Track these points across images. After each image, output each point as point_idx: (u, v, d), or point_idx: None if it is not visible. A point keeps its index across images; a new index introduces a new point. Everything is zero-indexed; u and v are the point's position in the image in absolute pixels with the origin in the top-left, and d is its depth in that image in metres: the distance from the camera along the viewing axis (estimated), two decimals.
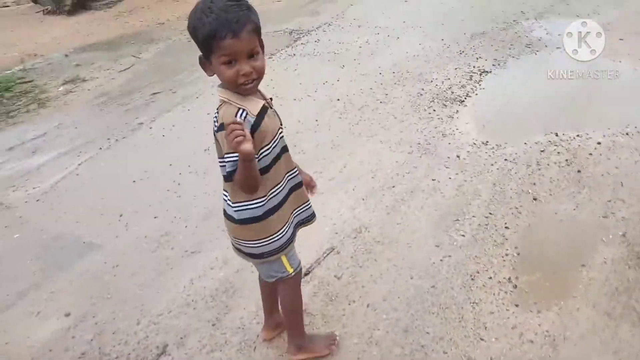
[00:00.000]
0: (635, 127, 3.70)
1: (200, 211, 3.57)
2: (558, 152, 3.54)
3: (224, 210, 1.94)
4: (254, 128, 1.72)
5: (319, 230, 3.17)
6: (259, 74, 1.72)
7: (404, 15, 7.47)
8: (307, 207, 2.09)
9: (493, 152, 3.69)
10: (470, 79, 4.90)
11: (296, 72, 5.99)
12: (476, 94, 4.61)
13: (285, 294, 2.18)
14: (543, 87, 4.54)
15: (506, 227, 2.93)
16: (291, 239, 2.01)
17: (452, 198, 3.28)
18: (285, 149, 1.94)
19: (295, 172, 2.00)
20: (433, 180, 3.49)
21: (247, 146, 1.57)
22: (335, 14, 8.37)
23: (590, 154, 3.46)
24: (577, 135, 3.70)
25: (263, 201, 1.84)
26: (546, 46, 5.36)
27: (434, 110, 4.43)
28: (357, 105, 4.81)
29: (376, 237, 3.03)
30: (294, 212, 2.02)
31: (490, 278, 2.61)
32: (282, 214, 1.92)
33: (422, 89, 4.85)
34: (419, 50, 5.92)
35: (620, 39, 5.20)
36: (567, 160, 3.43)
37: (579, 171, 3.30)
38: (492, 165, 3.53)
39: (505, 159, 3.57)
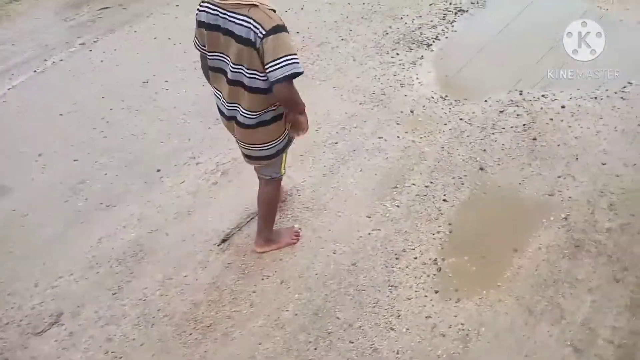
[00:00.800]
0: (606, 90, 3.39)
1: (124, 157, 3.27)
2: (517, 115, 3.24)
3: (241, 123, 2.03)
4: None
5: (248, 189, 2.92)
6: None
7: None
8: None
9: (450, 109, 3.38)
10: (444, 18, 4.43)
11: None
12: (446, 37, 4.18)
13: (269, 191, 2.36)
14: (520, 35, 4.12)
15: (444, 200, 2.71)
16: (289, 142, 2.24)
17: (396, 161, 3.02)
18: None
19: None
20: (380, 138, 3.20)
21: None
22: None
23: (551, 119, 3.17)
24: (543, 95, 3.39)
25: (274, 108, 2.02)
26: None
27: (398, 54, 4.03)
28: (317, 41, 4.37)
29: (306, 203, 2.79)
30: None
31: (416, 258, 2.43)
32: (282, 120, 2.10)
33: (390, 27, 4.39)
34: None
35: None
36: (524, 125, 3.15)
37: (534, 139, 3.03)
38: (445, 125, 3.24)
39: (461, 119, 3.28)
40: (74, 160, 3.29)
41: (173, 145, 3.35)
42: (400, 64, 3.90)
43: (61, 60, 4.67)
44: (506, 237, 2.50)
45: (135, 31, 5.01)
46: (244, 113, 1.98)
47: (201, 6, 1.91)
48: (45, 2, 6.17)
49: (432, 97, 3.50)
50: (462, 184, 2.80)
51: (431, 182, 2.83)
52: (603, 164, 2.81)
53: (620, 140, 2.95)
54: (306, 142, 3.22)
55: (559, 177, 2.77)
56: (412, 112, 3.39)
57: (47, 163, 3.30)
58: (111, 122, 3.63)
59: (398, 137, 3.20)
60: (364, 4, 4.85)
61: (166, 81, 4.05)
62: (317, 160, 3.08)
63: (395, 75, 3.77)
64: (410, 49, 4.06)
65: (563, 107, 3.26)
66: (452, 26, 4.31)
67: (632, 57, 3.73)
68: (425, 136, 3.17)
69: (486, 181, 2.81)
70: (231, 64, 1.90)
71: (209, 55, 1.98)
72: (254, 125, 2.01)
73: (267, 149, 2.11)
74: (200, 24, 1.93)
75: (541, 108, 3.27)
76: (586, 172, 2.78)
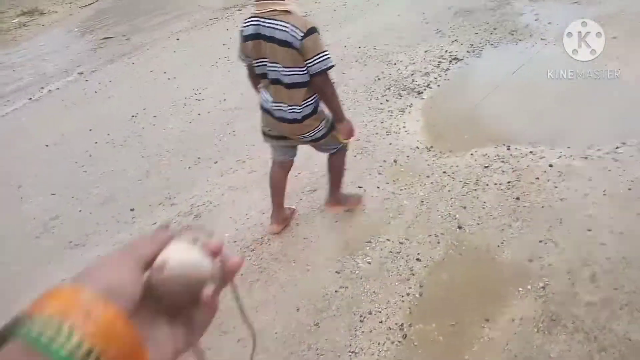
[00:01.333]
0: (599, 150, 3.28)
1: (100, 194, 3.23)
2: (503, 171, 3.15)
3: (290, 119, 2.34)
4: None
5: (218, 235, 2.84)
6: None
7: None
8: None
9: (434, 161, 3.30)
10: (438, 65, 4.40)
11: None
12: (438, 86, 4.14)
13: (336, 160, 2.70)
14: (512, 86, 4.07)
15: (418, 259, 2.60)
16: (332, 125, 2.50)
17: (373, 213, 2.92)
18: None
19: None
20: (359, 187, 3.12)
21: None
22: None
23: (537, 178, 3.07)
24: (531, 152, 3.29)
25: (311, 102, 2.35)
26: (531, 35, 4.81)
27: (387, 100, 3.99)
28: None
29: (276, 253, 2.70)
30: None
31: (381, 322, 2.31)
32: (319, 112, 2.43)
33: (382, 72, 4.38)
34: (395, 23, 5.37)
35: (614, 37, 4.65)
36: (509, 182, 3.05)
37: (517, 198, 2.92)
38: (427, 177, 3.15)
39: (444, 172, 3.19)
40: (52, 194, 3.26)
41: (151, 183, 3.31)
42: (389, 111, 3.85)
43: (57, 88, 4.71)
44: (479, 304, 2.36)
45: (133, 63, 5.06)
46: (290, 110, 2.31)
47: (245, 22, 2.24)
48: (52, 29, 6.31)
49: (418, 147, 3.43)
50: (438, 242, 2.69)
51: (406, 239, 2.73)
52: (588, 230, 2.68)
53: (609, 205, 2.83)
54: None
55: (540, 241, 2.64)
56: (395, 161, 3.32)
57: (24, 195, 3.27)
58: (94, 156, 3.61)
59: (378, 187, 3.11)
60: (359, 47, 4.86)
61: (154, 116, 4.05)
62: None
63: (382, 123, 3.72)
64: (401, 96, 4.02)
65: (551, 165, 3.16)
66: (446, 74, 4.27)
67: (628, 116, 3.64)
68: (405, 188, 3.08)
69: (463, 241, 2.69)
70: (269, 64, 2.23)
71: (255, 64, 2.31)
72: (300, 119, 2.34)
73: (315, 133, 2.44)
74: (246, 38, 2.25)
75: (528, 166, 3.18)
76: (569, 238, 2.65)
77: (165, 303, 0.44)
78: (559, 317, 2.28)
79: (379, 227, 2.82)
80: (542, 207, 2.86)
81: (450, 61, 4.43)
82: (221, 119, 3.90)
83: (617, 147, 3.29)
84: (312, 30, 2.10)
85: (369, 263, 2.61)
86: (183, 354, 0.47)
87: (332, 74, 4.39)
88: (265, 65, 2.24)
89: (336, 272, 2.57)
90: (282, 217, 2.80)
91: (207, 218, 2.98)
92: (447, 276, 2.52)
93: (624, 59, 4.34)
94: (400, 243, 2.71)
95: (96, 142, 3.75)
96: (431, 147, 3.42)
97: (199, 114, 4.02)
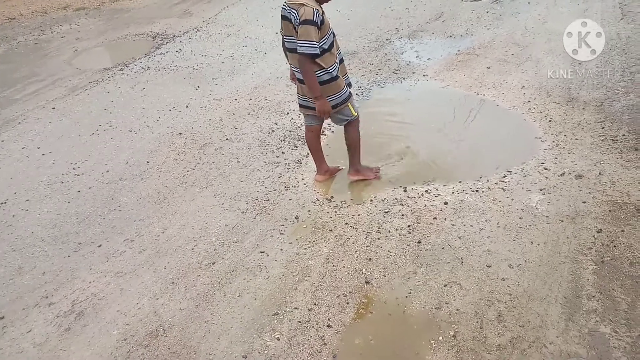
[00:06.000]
0: (487, 181, 3.40)
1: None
2: (402, 215, 3.14)
3: (301, 80, 2.98)
4: (322, 22, 2.80)
5: (105, 335, 2.51)
6: None
7: (279, 25, 6.86)
8: (347, 76, 3.21)
9: (335, 212, 3.22)
10: None
11: (143, 92, 5.19)
12: (332, 131, 4.13)
13: (351, 132, 3.25)
14: (400, 128, 4.16)
15: (328, 326, 2.46)
16: (350, 94, 3.16)
17: (277, 280, 2.75)
18: (334, 35, 2.98)
19: (340, 50, 3.09)
20: (262, 252, 2.95)
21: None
22: (207, 17, 7.60)
23: (435, 218, 3.09)
24: (426, 191, 3.33)
25: (332, 69, 2.95)
26: (413, 72, 5.01)
27: (283, 152, 3.90)
28: (200, 142, 4.16)
29: (174, 345, 2.42)
30: (344, 77, 3.13)
31: None
32: (340, 79, 3.04)
33: (276, 124, 4.30)
34: (284, 71, 5.36)
35: (488, 67, 4.98)
36: (409, 226, 3.04)
37: (419, 242, 2.91)
38: (330, 231, 3.06)
39: (346, 223, 3.12)
40: None
41: (24, 282, 2.89)
42: (285, 164, 3.75)
43: None
44: None
45: (2, 141, 4.56)
46: (299, 71, 2.93)
47: (282, 6, 2.90)
48: None
49: (318, 200, 3.35)
50: (347, 303, 2.57)
51: (315, 304, 2.58)
52: (488, 267, 2.71)
53: (503, 238, 2.90)
54: (179, 264, 2.91)
55: (445, 285, 2.62)
56: (296, 218, 3.20)
57: None
58: None
59: (281, 249, 2.96)
60: (251, 99, 4.77)
61: (27, 200, 3.61)
62: (191, 286, 2.75)
63: (280, 177, 3.60)
64: (296, 147, 3.95)
65: (446, 203, 3.20)
66: None
67: (509, 143, 3.83)
68: (309, 246, 2.96)
69: (372, 297, 2.60)
70: (288, 38, 2.92)
71: (284, 39, 2.98)
72: (303, 81, 2.95)
73: (330, 100, 3.02)
74: (282, 18, 2.92)
75: (425, 206, 3.20)
76: (472, 278, 2.66)
77: None
78: None
79: (285, 294, 2.66)
80: (443, 248, 2.87)
81: None
82: (104, 194, 3.57)
83: (504, 176, 3.43)
84: (305, 22, 2.72)
85: (278, 339, 2.42)
86: None
87: (225, 130, 4.27)
88: (288, 41, 2.92)
89: (243, 357, 2.35)
90: (323, 170, 3.43)
91: (91, 316, 2.63)
92: (361, 340, 2.39)
93: (499, 87, 4.63)
94: (309, 310, 2.56)
95: None
96: (332, 197, 3.35)
97: (78, 191, 3.65)
